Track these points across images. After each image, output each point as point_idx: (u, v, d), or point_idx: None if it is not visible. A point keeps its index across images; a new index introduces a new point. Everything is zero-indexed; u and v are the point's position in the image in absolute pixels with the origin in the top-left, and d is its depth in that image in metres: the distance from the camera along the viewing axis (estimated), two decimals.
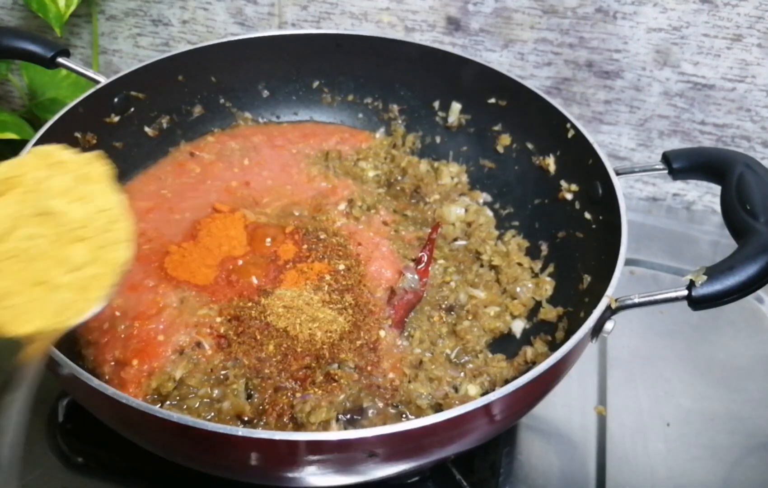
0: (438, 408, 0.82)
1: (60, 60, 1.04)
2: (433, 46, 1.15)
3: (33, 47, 1.04)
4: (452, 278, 0.98)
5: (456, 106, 1.15)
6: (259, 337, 0.85)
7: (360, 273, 0.94)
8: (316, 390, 0.81)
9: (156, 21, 1.39)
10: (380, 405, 0.82)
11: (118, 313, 0.88)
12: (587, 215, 0.96)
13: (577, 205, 0.98)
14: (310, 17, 1.31)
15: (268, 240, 0.99)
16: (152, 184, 1.09)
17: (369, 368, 0.84)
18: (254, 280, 0.94)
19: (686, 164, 0.90)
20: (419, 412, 0.81)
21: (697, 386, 1.00)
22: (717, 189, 0.86)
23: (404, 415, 0.82)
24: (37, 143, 0.92)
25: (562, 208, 1.00)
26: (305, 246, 0.98)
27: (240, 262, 0.96)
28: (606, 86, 1.25)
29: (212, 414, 0.80)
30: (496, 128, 1.11)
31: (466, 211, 1.07)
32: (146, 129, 1.12)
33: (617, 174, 0.91)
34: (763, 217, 0.77)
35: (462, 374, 0.87)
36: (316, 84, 1.22)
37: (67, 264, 0.55)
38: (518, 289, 0.96)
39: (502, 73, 1.09)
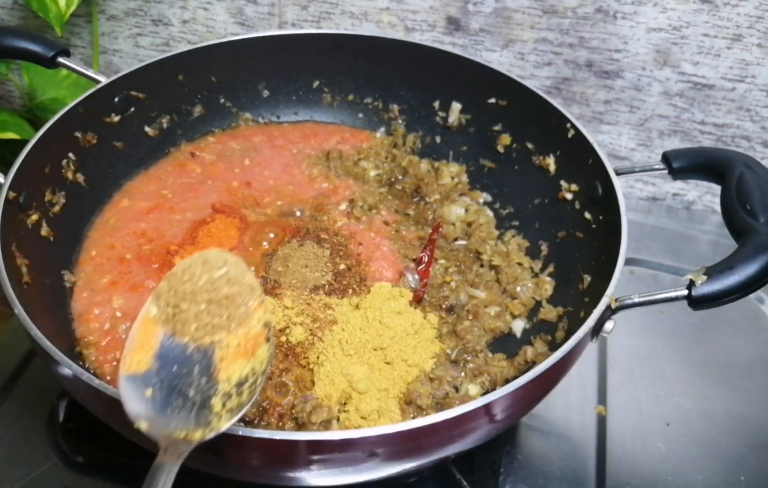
0: (438, 407, 0.83)
1: (60, 60, 1.04)
2: (433, 46, 1.15)
3: (33, 47, 1.04)
4: (453, 278, 0.98)
5: (456, 106, 1.15)
6: None
7: (361, 274, 0.94)
8: (317, 390, 0.81)
9: (156, 21, 1.39)
10: None
11: (119, 314, 0.88)
12: (587, 215, 0.96)
13: (577, 205, 0.98)
14: (310, 17, 1.32)
15: (270, 238, 0.99)
16: (153, 184, 1.09)
17: None
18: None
19: (686, 164, 0.90)
20: (419, 412, 0.81)
21: (697, 386, 1.00)
22: (717, 189, 0.86)
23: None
24: (37, 142, 0.92)
25: (562, 208, 1.01)
26: None
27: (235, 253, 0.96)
28: (606, 86, 1.25)
29: None
30: (496, 128, 1.11)
31: (467, 210, 1.07)
32: (146, 129, 1.12)
33: (617, 174, 0.91)
34: (763, 216, 0.77)
35: (462, 374, 0.87)
36: (316, 84, 1.22)
37: None
38: (518, 289, 0.96)
39: (502, 73, 1.09)
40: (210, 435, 0.60)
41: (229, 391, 0.62)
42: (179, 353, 0.64)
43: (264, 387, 0.77)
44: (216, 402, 0.62)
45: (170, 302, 0.66)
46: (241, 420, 0.78)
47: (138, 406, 0.61)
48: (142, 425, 0.60)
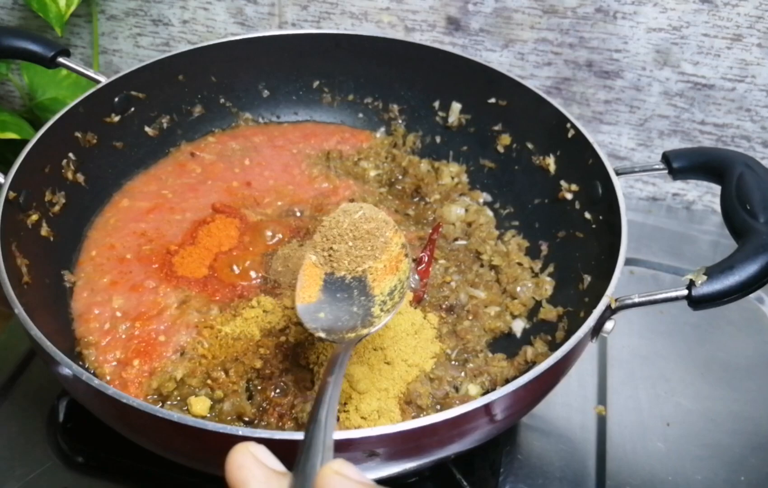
0: (438, 407, 0.83)
1: (60, 60, 1.04)
2: (433, 46, 1.15)
3: (33, 47, 1.04)
4: (453, 278, 0.98)
5: (456, 106, 1.15)
6: (260, 337, 0.86)
7: None
8: (317, 390, 0.81)
9: (156, 21, 1.39)
10: None
11: (119, 314, 0.88)
12: (587, 215, 0.96)
13: (577, 205, 0.98)
14: (311, 17, 1.32)
15: (269, 239, 0.99)
16: (153, 184, 1.09)
17: None
18: (253, 274, 0.95)
19: (686, 164, 0.90)
20: (420, 412, 0.81)
21: (698, 386, 1.00)
22: (717, 188, 0.86)
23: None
24: (37, 142, 0.92)
25: (562, 208, 1.01)
26: None
27: (235, 253, 0.98)
28: (606, 86, 1.25)
29: (213, 414, 0.80)
30: (496, 128, 1.11)
31: (467, 210, 1.07)
32: (146, 129, 1.12)
33: (617, 174, 0.91)
34: (763, 216, 0.77)
35: (462, 374, 0.87)
36: (316, 84, 1.22)
37: None
38: (518, 289, 0.96)
39: (502, 73, 1.09)
40: (374, 329, 0.73)
41: (384, 299, 0.76)
42: (340, 284, 0.78)
43: (264, 387, 0.80)
44: (375, 309, 0.75)
45: (325, 247, 0.80)
46: (242, 420, 0.79)
47: (315, 324, 0.73)
48: (321, 334, 0.72)
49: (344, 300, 0.76)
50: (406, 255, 0.79)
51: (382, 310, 0.75)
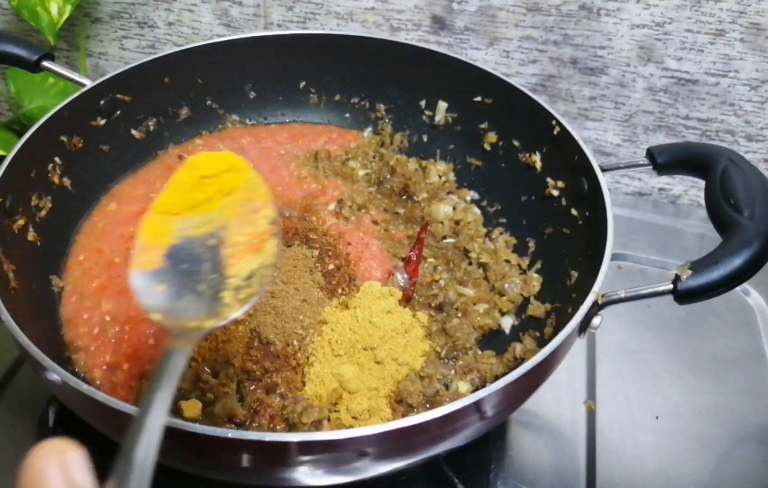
0: (429, 405, 0.83)
1: (45, 63, 1.03)
2: (419, 45, 1.15)
3: (17, 51, 1.03)
4: (441, 276, 0.98)
5: (442, 105, 1.16)
6: (249, 339, 0.86)
7: (350, 273, 0.95)
8: (307, 390, 0.81)
9: (141, 23, 1.38)
10: None
11: (108, 318, 0.88)
12: (574, 211, 0.96)
13: (564, 202, 0.99)
14: (296, 18, 1.32)
15: None
16: (141, 187, 1.08)
17: None
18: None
19: (670, 159, 0.91)
20: (410, 410, 0.81)
21: (686, 379, 1.01)
22: (702, 183, 0.87)
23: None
24: (22, 147, 0.91)
25: (549, 205, 1.01)
26: None
27: None
28: (591, 83, 1.25)
29: (204, 416, 0.80)
30: (483, 126, 1.12)
31: (454, 209, 1.08)
32: (133, 132, 1.11)
33: (603, 170, 0.91)
34: (747, 210, 0.78)
35: (452, 371, 0.87)
36: (302, 84, 1.22)
37: None
38: (506, 286, 0.97)
39: (487, 71, 1.09)
40: (222, 323, 0.62)
41: (239, 284, 0.64)
42: (188, 251, 0.66)
43: (255, 389, 0.79)
44: (226, 295, 0.63)
45: (180, 191, 0.69)
46: (233, 422, 0.78)
47: (152, 300, 0.62)
48: (155, 316, 0.62)
49: (190, 274, 0.64)
50: (274, 236, 0.67)
51: (235, 298, 0.63)
